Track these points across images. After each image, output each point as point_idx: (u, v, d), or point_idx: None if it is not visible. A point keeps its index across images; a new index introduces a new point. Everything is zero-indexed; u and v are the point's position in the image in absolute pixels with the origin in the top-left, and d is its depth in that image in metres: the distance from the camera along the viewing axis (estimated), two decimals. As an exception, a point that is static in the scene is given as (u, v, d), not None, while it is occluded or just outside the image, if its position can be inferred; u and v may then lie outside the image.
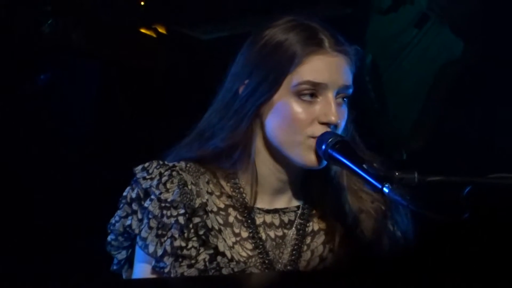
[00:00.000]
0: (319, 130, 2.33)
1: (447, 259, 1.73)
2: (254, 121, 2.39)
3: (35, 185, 4.07)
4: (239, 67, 2.43)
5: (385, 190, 2.17)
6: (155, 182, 2.38)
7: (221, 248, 2.36)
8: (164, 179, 2.38)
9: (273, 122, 2.37)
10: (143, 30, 4.40)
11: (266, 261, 2.40)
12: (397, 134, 4.50)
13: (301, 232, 2.44)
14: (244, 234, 2.40)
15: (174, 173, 2.40)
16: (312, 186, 2.46)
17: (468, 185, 2.09)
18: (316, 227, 2.46)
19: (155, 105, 4.33)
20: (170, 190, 2.37)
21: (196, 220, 2.36)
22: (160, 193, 2.37)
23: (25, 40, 4.09)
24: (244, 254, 2.39)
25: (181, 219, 2.35)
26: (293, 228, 2.45)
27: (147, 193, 2.39)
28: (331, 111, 2.34)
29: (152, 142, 3.84)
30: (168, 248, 2.33)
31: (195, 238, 2.34)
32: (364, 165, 2.24)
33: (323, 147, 2.30)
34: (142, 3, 4.38)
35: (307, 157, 2.35)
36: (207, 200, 2.40)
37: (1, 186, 4.00)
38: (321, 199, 2.46)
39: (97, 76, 4.36)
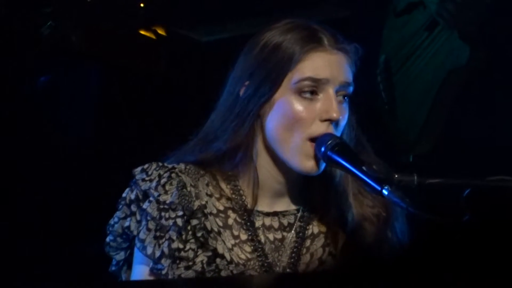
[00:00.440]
0: (320, 128, 2.32)
1: (446, 262, 1.73)
2: (255, 122, 2.39)
3: (35, 187, 4.06)
4: (239, 70, 2.43)
5: (384, 192, 2.17)
6: (154, 184, 2.38)
7: (220, 250, 2.35)
8: (163, 181, 2.38)
9: (274, 121, 2.36)
10: (142, 32, 4.40)
11: (265, 264, 2.39)
12: (404, 138, 4.49)
13: (300, 235, 2.44)
14: (243, 236, 2.40)
15: (173, 175, 2.39)
16: (313, 189, 2.45)
17: (468, 188, 2.09)
18: (316, 230, 2.46)
19: (154, 107, 4.33)
20: (168, 192, 2.37)
21: (194, 222, 2.35)
22: (159, 195, 2.37)
23: (25, 42, 4.08)
24: (243, 256, 2.38)
25: (179, 221, 2.34)
26: (293, 231, 2.44)
27: (146, 195, 2.38)
28: (332, 107, 2.33)
29: (152, 144, 3.84)
30: (166, 250, 2.32)
31: (193, 240, 2.34)
32: (363, 167, 2.23)
33: (323, 149, 2.30)
34: (142, 5, 4.38)
35: (304, 164, 2.34)
36: (206, 202, 2.39)
37: (1, 187, 3.99)
38: (323, 203, 2.45)
39: (97, 78, 4.36)
